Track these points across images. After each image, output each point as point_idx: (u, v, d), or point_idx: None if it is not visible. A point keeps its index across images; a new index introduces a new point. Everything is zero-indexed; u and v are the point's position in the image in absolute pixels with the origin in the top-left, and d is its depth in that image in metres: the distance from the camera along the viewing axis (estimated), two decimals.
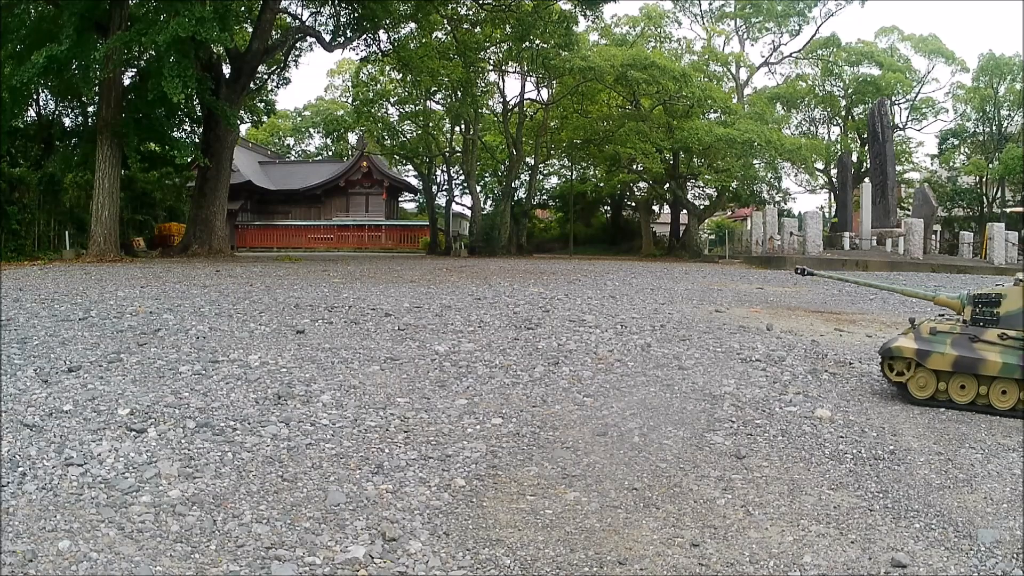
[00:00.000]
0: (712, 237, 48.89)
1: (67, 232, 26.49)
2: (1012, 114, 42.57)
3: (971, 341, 6.24)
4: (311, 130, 58.31)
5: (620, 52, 33.47)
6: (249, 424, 5.44)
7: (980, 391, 6.23)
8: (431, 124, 39.91)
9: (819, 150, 41.12)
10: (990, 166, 41.10)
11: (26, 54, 22.12)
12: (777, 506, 4.28)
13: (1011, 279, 6.59)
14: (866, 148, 38.32)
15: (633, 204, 46.71)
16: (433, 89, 36.73)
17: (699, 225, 43.44)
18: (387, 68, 35.76)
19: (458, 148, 41.57)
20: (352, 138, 51.03)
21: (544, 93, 39.41)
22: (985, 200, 43.56)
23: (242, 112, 29.53)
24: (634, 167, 38.52)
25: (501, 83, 39.71)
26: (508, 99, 39.89)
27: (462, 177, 42.29)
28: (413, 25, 32.40)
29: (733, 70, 44.04)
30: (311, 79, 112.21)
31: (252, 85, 30.25)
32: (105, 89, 24.14)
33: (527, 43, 32.05)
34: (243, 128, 42.18)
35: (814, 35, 43.15)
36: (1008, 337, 6.09)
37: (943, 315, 7.30)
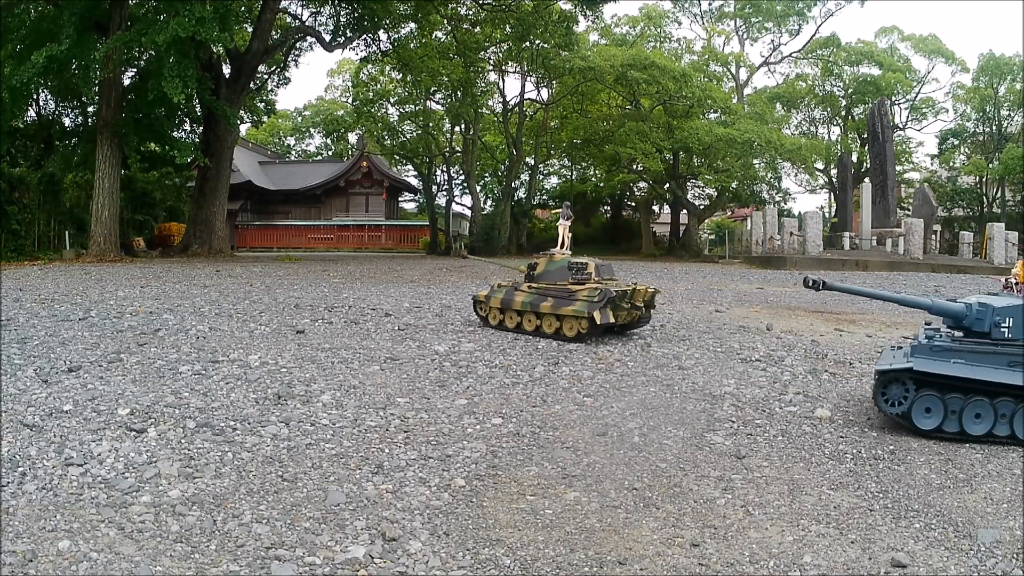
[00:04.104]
0: (712, 237, 48.86)
1: (67, 232, 26.48)
2: (1012, 114, 42.52)
3: (513, 290, 9.86)
4: (311, 130, 58.28)
5: (620, 52, 33.44)
6: (249, 424, 5.44)
7: (520, 320, 9.71)
8: (431, 124, 39.88)
9: (819, 150, 41.06)
10: (990, 166, 41.06)
11: (26, 54, 22.11)
12: (777, 506, 4.28)
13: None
14: (866, 148, 38.27)
15: (633, 204, 46.70)
16: (433, 89, 36.71)
17: (699, 225, 43.40)
18: (387, 68, 35.74)
19: (458, 148, 41.55)
20: (352, 138, 51.01)
21: (544, 93, 39.43)
22: (985, 200, 43.52)
23: (242, 112, 29.52)
24: (634, 167, 38.48)
25: (501, 83, 39.73)
26: (508, 99, 39.91)
27: (462, 177, 42.28)
28: (413, 25, 32.39)
29: (733, 70, 44.00)
30: (311, 79, 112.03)
31: (252, 85, 30.25)
32: (105, 89, 24.14)
33: (527, 43, 32.04)
34: (243, 128, 42.14)
35: (814, 35, 43.14)
36: (532, 287, 9.74)
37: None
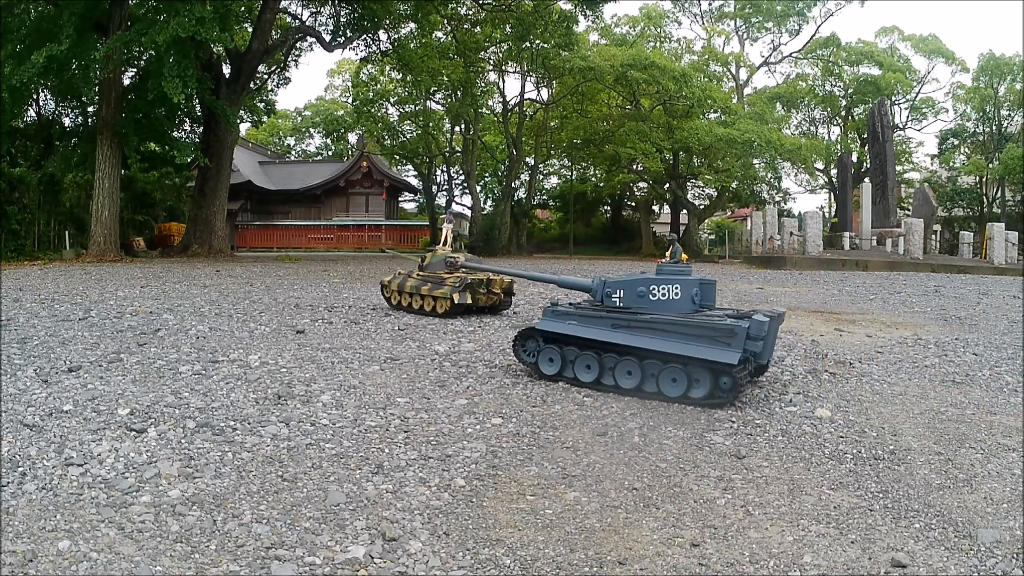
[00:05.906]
0: (712, 237, 48.87)
1: (67, 232, 26.49)
2: (1012, 114, 42.49)
3: (407, 276, 11.87)
4: (311, 130, 58.30)
5: (620, 52, 33.44)
6: (249, 424, 5.44)
7: (410, 300, 11.60)
8: (431, 124, 39.89)
9: (819, 150, 41.03)
10: (990, 166, 41.05)
11: (26, 54, 22.11)
12: (777, 506, 4.27)
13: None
14: (866, 148, 38.25)
15: (633, 204, 46.72)
16: (433, 89, 36.71)
17: (699, 225, 43.41)
18: (387, 68, 35.74)
19: (458, 148, 41.58)
20: (352, 138, 51.02)
21: (544, 93, 39.45)
22: (985, 200, 43.49)
23: (242, 112, 29.50)
24: (634, 167, 38.50)
25: (501, 83, 39.74)
26: (508, 99, 39.94)
27: (462, 177, 42.30)
28: (413, 25, 32.39)
29: (733, 70, 43.97)
30: (311, 79, 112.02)
31: (252, 85, 30.24)
32: (105, 89, 24.15)
33: (527, 43, 32.04)
34: (243, 128, 42.14)
35: (814, 35, 43.12)
36: (420, 275, 11.73)
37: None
